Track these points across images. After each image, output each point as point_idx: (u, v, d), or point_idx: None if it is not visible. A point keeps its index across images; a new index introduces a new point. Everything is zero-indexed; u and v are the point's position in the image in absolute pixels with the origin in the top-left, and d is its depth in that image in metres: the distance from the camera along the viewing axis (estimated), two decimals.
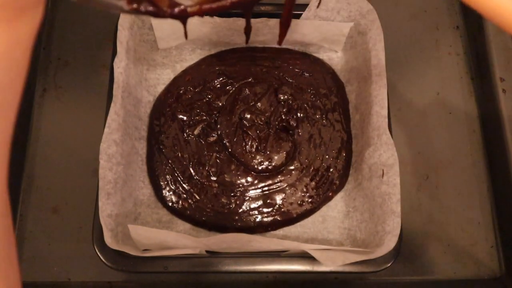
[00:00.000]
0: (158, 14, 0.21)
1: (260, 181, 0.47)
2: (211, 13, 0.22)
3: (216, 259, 0.40)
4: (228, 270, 0.40)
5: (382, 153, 0.41)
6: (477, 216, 0.48)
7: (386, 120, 0.42)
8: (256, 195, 0.46)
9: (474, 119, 0.52)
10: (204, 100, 0.49)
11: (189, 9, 0.21)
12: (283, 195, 0.46)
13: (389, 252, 0.38)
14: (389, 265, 0.39)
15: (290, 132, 0.48)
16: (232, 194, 0.46)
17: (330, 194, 0.46)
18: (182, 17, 0.22)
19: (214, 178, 0.46)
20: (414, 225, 0.47)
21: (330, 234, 0.45)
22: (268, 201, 0.46)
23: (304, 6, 0.46)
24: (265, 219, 0.45)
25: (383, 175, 0.41)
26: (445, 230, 0.47)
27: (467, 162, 0.50)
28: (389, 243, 0.38)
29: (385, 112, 0.42)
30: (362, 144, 0.46)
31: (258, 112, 0.48)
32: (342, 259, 0.37)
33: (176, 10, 0.21)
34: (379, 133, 0.42)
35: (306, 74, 0.50)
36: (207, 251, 0.40)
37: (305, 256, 0.39)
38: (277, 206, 0.46)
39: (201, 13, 0.22)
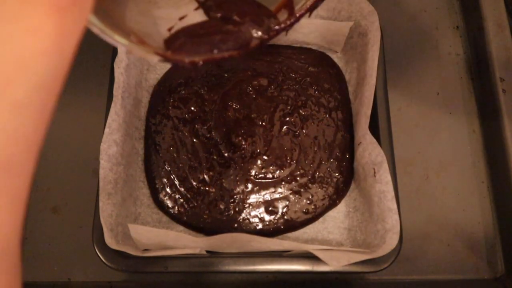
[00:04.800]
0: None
1: (261, 188, 0.45)
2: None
3: (216, 259, 0.40)
4: (228, 270, 0.40)
5: (371, 152, 0.41)
6: (477, 216, 0.48)
7: (368, 120, 0.42)
8: (257, 202, 0.44)
9: (474, 119, 0.52)
10: (197, 94, 0.47)
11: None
12: (287, 202, 0.44)
13: (389, 252, 0.38)
14: (389, 264, 0.39)
15: (295, 132, 0.47)
16: (232, 201, 0.44)
17: (337, 201, 0.45)
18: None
19: (211, 184, 0.45)
20: (414, 225, 0.47)
21: (330, 234, 0.45)
22: (270, 208, 0.44)
23: None
24: (267, 227, 0.44)
25: (375, 174, 0.41)
26: (445, 230, 0.47)
27: (467, 162, 0.50)
28: (391, 241, 0.38)
29: (369, 112, 0.42)
30: (357, 144, 0.46)
31: (258, 110, 0.47)
32: (346, 258, 0.37)
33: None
34: (363, 133, 0.42)
35: (311, 68, 0.49)
36: (207, 251, 0.40)
37: (305, 256, 0.39)
38: (279, 214, 0.44)
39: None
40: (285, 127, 0.47)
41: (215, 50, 0.22)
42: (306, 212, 0.44)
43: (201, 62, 0.22)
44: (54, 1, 0.15)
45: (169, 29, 0.24)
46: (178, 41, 0.23)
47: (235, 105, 0.47)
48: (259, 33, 0.23)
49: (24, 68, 0.15)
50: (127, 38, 0.21)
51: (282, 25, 0.24)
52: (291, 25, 0.24)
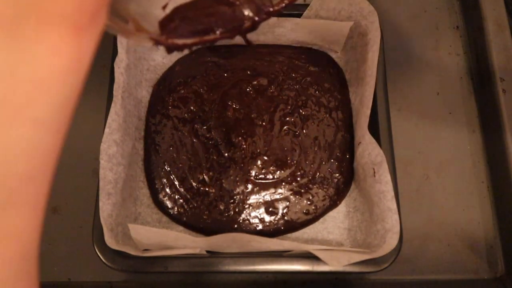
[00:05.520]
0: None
1: (261, 188, 0.45)
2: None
3: (216, 259, 0.40)
4: (228, 270, 0.40)
5: (370, 152, 0.41)
6: (477, 216, 0.48)
7: (368, 120, 0.42)
8: (257, 202, 0.44)
9: (474, 119, 0.52)
10: (197, 94, 0.47)
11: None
12: (287, 203, 0.44)
13: (389, 252, 0.38)
14: (389, 264, 0.39)
15: (296, 132, 0.47)
16: (231, 201, 0.44)
17: (338, 201, 0.45)
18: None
19: (211, 184, 0.45)
20: (414, 225, 0.47)
21: (330, 234, 0.45)
22: (270, 209, 0.44)
23: (305, 6, 0.46)
24: (267, 228, 0.44)
25: (374, 174, 0.41)
26: (445, 230, 0.47)
27: (467, 162, 0.50)
28: (391, 240, 0.38)
29: (368, 112, 0.42)
30: (356, 144, 0.46)
31: (258, 110, 0.47)
32: (347, 258, 0.37)
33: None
34: (363, 133, 0.42)
35: (312, 68, 0.49)
36: (207, 251, 0.40)
37: (305, 256, 0.39)
38: (280, 214, 0.44)
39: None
40: (285, 127, 0.47)
41: (208, 32, 0.22)
42: (307, 213, 0.44)
43: (193, 45, 0.23)
44: (72, 21, 0.15)
45: (164, 7, 0.24)
46: (172, 24, 0.23)
47: (235, 105, 0.47)
48: (251, 14, 0.23)
49: (45, 88, 0.16)
50: (124, 25, 0.21)
51: (276, 7, 0.24)
52: (283, 8, 0.24)
